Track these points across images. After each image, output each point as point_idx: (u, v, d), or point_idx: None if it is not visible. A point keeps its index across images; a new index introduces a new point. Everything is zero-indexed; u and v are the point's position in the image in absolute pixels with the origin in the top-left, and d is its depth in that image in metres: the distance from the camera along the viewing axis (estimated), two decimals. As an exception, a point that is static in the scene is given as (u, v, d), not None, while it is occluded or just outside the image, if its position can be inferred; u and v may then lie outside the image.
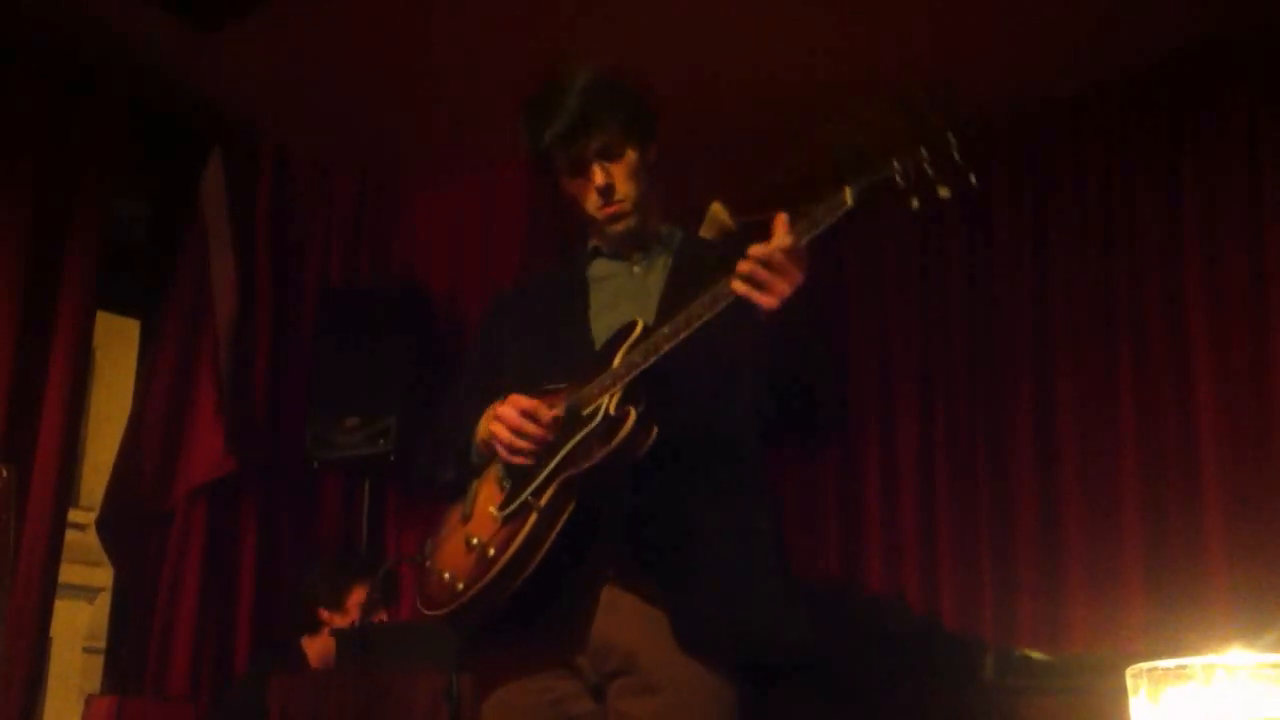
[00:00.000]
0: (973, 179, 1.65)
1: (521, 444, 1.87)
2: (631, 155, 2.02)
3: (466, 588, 1.85)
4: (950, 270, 4.24)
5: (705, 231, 1.97)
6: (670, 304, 1.94)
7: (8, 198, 3.60)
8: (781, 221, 1.74)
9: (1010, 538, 3.91)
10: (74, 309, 3.69)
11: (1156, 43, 3.71)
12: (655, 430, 1.80)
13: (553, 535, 1.82)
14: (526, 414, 1.87)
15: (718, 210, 1.95)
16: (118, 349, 5.29)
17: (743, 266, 1.74)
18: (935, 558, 4.04)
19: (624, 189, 2.02)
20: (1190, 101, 3.81)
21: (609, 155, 2.01)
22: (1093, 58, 3.80)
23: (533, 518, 1.83)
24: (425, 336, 4.29)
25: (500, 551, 1.83)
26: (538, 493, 1.84)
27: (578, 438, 1.84)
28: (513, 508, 1.86)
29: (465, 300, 4.54)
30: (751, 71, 3.87)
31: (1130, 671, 1.05)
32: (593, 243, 2.14)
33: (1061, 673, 2.63)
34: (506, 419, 1.88)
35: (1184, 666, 1.01)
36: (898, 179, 1.68)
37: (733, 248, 1.86)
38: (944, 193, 1.65)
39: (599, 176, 2.01)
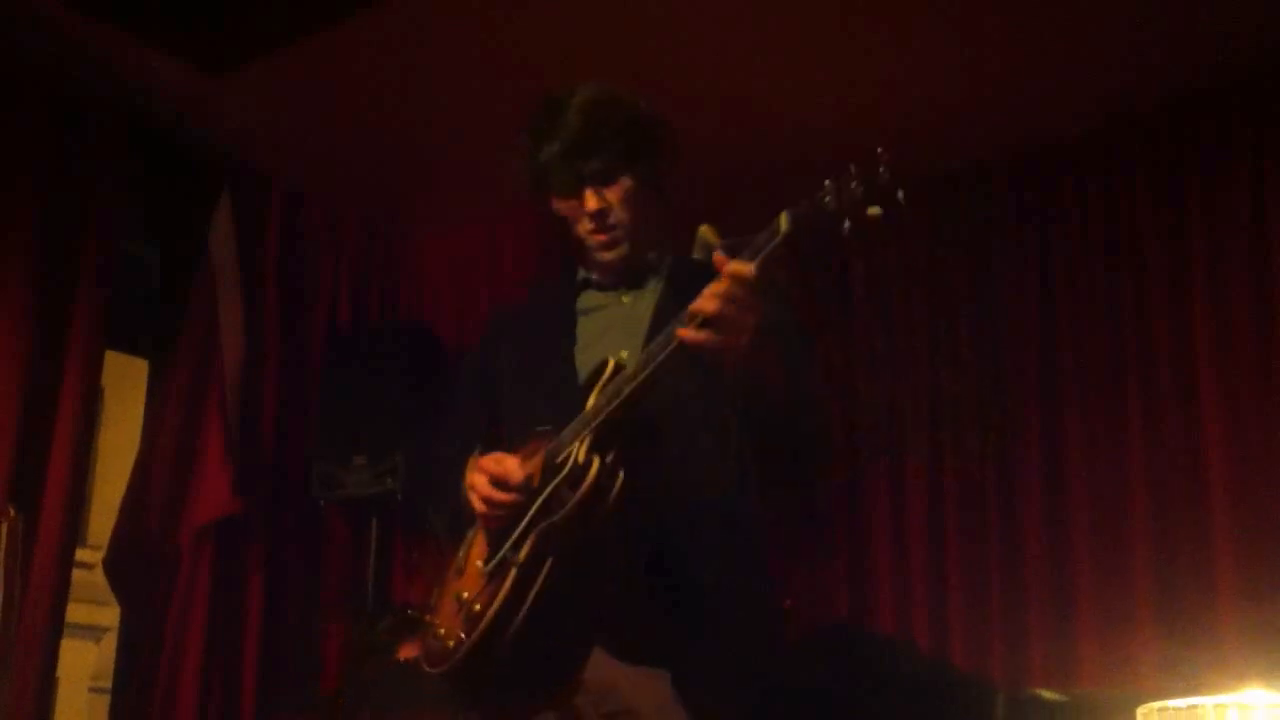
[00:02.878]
0: (900, 196, 1.59)
1: (494, 512, 1.85)
2: (628, 181, 1.96)
3: (457, 646, 1.83)
4: (955, 298, 4.24)
5: (696, 254, 1.94)
6: (657, 334, 1.90)
7: (15, 235, 3.60)
8: (721, 259, 1.68)
9: (1020, 574, 3.88)
10: (83, 347, 3.69)
11: (1157, 52, 3.69)
12: (622, 477, 1.75)
13: (534, 589, 1.78)
14: (496, 481, 1.84)
15: (706, 232, 1.93)
16: (126, 388, 5.28)
17: (698, 306, 1.67)
18: (944, 597, 4.01)
19: (617, 216, 1.97)
20: (1192, 112, 3.83)
21: (604, 179, 1.95)
22: (1091, 85, 3.81)
23: (512, 574, 1.80)
24: (431, 374, 4.27)
25: (485, 608, 1.80)
26: (516, 547, 1.81)
27: (550, 487, 1.80)
28: (494, 563, 1.83)
29: (472, 338, 4.54)
30: (757, 111, 3.90)
31: (1141, 711, 1.04)
32: (582, 273, 2.09)
33: (1074, 712, 2.61)
34: (477, 489, 1.86)
35: (1196, 706, 1.00)
36: (827, 199, 1.62)
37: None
38: (873, 211, 1.60)
39: (592, 201, 1.96)
